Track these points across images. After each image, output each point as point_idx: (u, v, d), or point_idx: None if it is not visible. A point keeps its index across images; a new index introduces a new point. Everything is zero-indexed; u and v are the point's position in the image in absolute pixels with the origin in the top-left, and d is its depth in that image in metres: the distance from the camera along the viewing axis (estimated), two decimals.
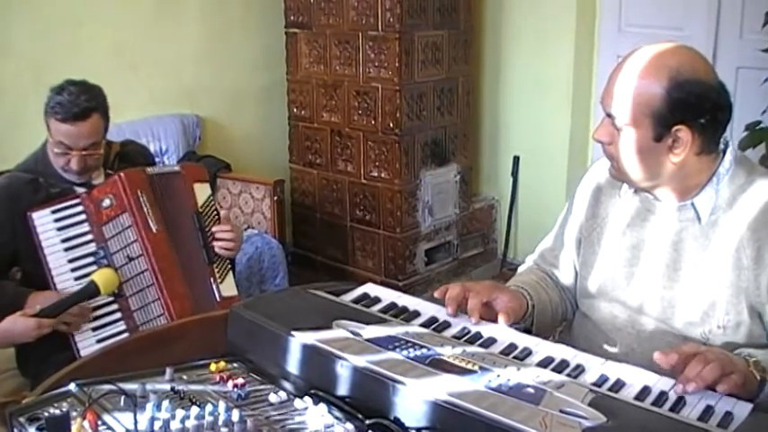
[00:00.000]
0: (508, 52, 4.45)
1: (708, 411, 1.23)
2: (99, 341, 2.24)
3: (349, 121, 4.14)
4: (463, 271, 4.44)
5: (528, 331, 1.71)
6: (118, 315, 2.27)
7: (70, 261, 2.27)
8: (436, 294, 1.61)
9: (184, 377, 1.34)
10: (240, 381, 1.31)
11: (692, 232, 1.59)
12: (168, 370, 1.33)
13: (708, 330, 1.56)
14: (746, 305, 1.53)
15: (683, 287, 1.59)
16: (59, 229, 2.28)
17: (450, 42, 4.10)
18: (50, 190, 2.33)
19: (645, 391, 1.29)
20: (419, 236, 4.19)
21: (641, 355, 1.58)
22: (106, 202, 2.29)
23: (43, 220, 2.26)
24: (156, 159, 4.05)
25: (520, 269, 1.96)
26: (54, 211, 2.28)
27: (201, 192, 2.47)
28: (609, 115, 1.55)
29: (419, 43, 3.94)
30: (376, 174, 4.10)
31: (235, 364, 1.42)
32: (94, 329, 2.25)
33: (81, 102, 2.26)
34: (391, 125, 3.94)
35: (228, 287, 2.44)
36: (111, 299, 2.26)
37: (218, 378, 1.34)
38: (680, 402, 1.26)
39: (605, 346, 1.68)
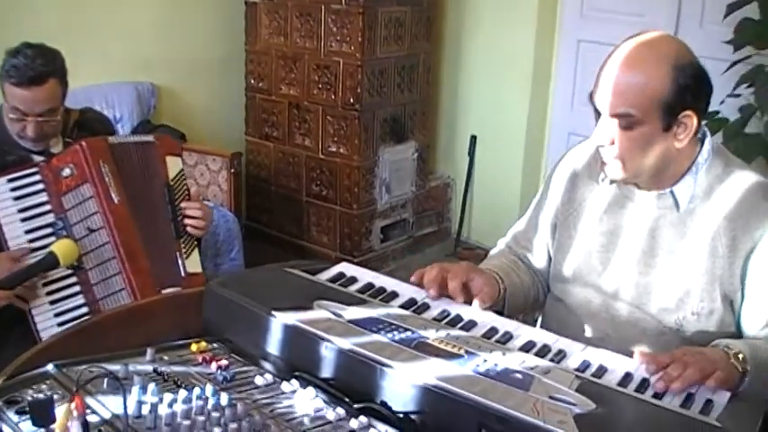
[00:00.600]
0: (469, 32, 4.44)
1: (689, 399, 1.25)
2: (57, 314, 2.18)
3: (308, 95, 4.09)
4: (418, 249, 4.45)
5: (499, 313, 1.72)
6: (77, 288, 2.20)
7: (27, 232, 2.20)
8: (413, 279, 1.60)
9: (165, 358, 1.31)
10: (224, 362, 1.29)
11: (670, 220, 1.61)
12: (149, 350, 1.30)
13: (682, 317, 1.58)
14: (720, 293, 1.56)
15: (658, 274, 1.61)
16: (16, 198, 2.20)
17: (412, 19, 4.07)
18: (6, 158, 2.25)
19: (627, 377, 1.31)
20: (375, 213, 4.18)
21: (616, 340, 1.60)
22: (66, 172, 2.22)
23: None
24: None
25: (492, 252, 1.96)
26: (10, 180, 2.20)
27: (173, 165, 2.40)
28: (617, 115, 1.51)
29: (382, 19, 3.90)
30: (334, 149, 4.06)
31: (215, 345, 1.39)
32: (52, 303, 2.18)
33: (37, 66, 2.18)
34: (351, 100, 3.91)
35: (193, 264, 2.38)
36: (70, 272, 2.19)
37: (200, 359, 1.31)
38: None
39: (578, 332, 1.69)
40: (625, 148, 1.54)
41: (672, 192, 1.60)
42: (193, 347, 1.36)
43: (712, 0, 3.52)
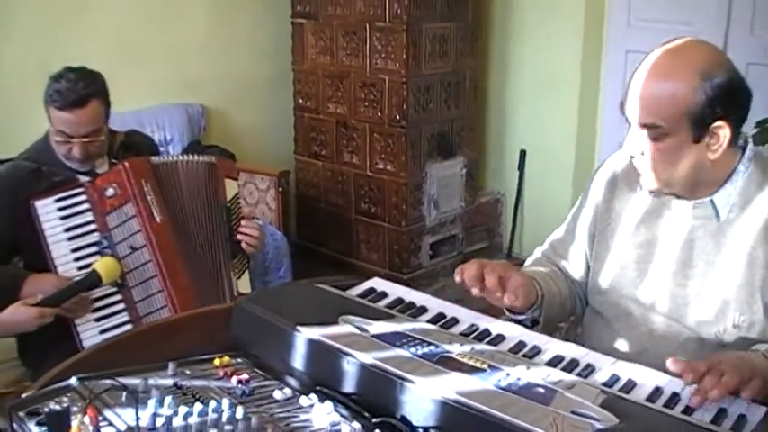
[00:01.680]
0: (515, 46, 4.41)
1: (721, 414, 1.21)
2: (102, 332, 2.23)
3: (355, 113, 4.11)
4: None
5: (535, 322, 1.69)
6: (121, 306, 2.26)
7: (73, 250, 2.26)
8: (456, 279, 1.56)
9: (187, 372, 1.32)
10: (244, 377, 1.29)
11: (708, 230, 1.56)
12: (171, 365, 1.31)
13: (722, 329, 1.53)
14: (762, 304, 1.50)
15: (696, 285, 1.57)
16: (63, 217, 2.26)
17: (457, 35, 4.06)
18: (53, 179, 2.31)
19: (657, 392, 1.27)
20: (424, 229, 4.16)
21: (654, 354, 1.55)
22: (110, 192, 2.27)
23: (46, 209, 2.24)
24: (161, 149, 4.04)
25: (528, 260, 1.93)
26: (57, 200, 2.26)
27: (230, 187, 2.46)
28: (645, 126, 1.48)
29: (426, 35, 3.90)
30: (382, 166, 4.07)
31: (239, 359, 1.40)
32: (98, 320, 2.24)
33: (79, 89, 2.24)
34: (398, 117, 3.92)
35: (244, 284, 2.44)
36: (114, 289, 2.24)
37: (221, 373, 1.32)
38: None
39: (616, 345, 1.66)
40: (655, 159, 1.50)
41: (712, 201, 1.55)
42: (216, 362, 1.37)
43: (762, 6, 3.43)
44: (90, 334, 2.23)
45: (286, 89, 4.43)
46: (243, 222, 2.44)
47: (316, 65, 4.23)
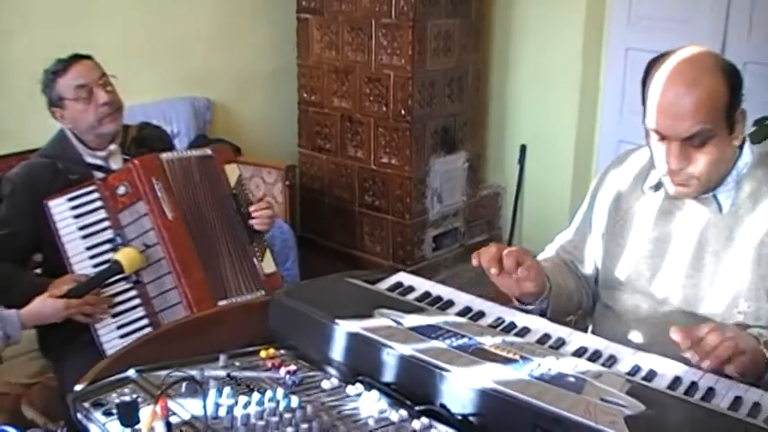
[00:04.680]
0: (517, 41, 4.49)
1: (737, 402, 1.30)
2: (119, 327, 2.26)
3: (360, 108, 4.19)
4: (469, 257, 4.47)
5: (543, 314, 1.76)
6: (137, 301, 2.28)
7: (88, 248, 2.28)
8: (474, 263, 1.65)
9: (237, 363, 1.40)
10: (292, 368, 1.37)
11: (715, 223, 1.66)
12: (222, 356, 1.39)
13: (729, 316, 1.63)
14: (766, 296, 1.60)
15: (706, 278, 1.66)
16: (76, 216, 2.29)
17: (461, 31, 4.15)
18: (69, 176, 2.35)
19: (677, 381, 1.36)
20: (427, 222, 4.25)
21: (664, 345, 1.64)
22: (121, 190, 2.30)
23: (60, 209, 2.28)
24: None
25: (539, 256, 2.01)
26: (70, 199, 2.29)
27: (232, 172, 2.48)
28: (693, 136, 1.54)
29: (431, 31, 3.98)
30: (386, 160, 4.15)
31: (282, 351, 1.48)
32: (114, 316, 2.27)
33: (71, 55, 2.39)
34: (403, 112, 3.99)
35: (268, 264, 2.47)
36: (130, 286, 2.28)
37: (269, 365, 1.40)
38: (710, 392, 1.33)
39: (629, 337, 1.75)
40: (709, 164, 1.57)
41: (714, 195, 1.65)
42: (263, 354, 1.45)
43: (760, 5, 3.52)
44: (107, 330, 2.26)
45: (290, 83, 4.50)
46: (252, 207, 2.47)
47: (321, 59, 4.30)
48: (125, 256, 2.19)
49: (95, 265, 2.26)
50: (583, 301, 1.94)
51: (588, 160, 4.45)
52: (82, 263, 2.27)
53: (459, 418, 1.27)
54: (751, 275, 1.61)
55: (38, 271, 2.47)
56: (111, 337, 2.27)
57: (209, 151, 2.49)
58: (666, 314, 1.71)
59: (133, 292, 2.29)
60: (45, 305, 2.11)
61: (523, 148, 4.58)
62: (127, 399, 1.21)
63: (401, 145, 4.06)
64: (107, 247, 2.29)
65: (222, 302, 2.31)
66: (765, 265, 1.60)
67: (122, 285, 2.27)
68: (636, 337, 1.75)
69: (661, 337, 1.69)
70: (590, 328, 1.93)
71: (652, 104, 1.59)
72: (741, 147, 1.66)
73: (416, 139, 4.05)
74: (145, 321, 2.28)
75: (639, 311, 1.76)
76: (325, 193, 4.49)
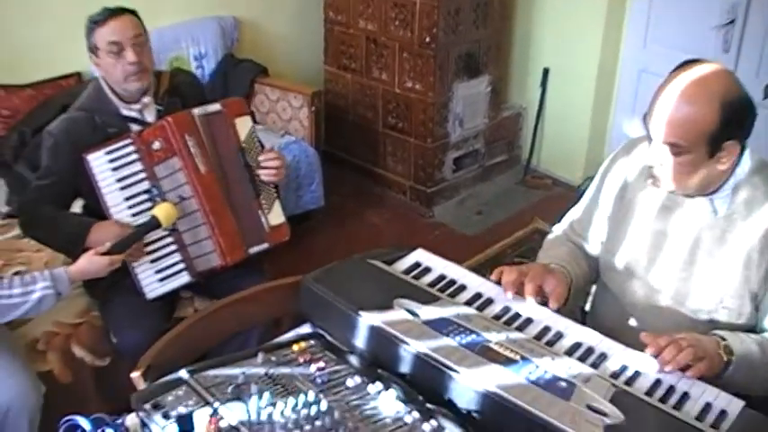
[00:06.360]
0: None
1: (706, 409, 1.50)
2: (157, 272, 2.48)
3: (385, 31, 4.24)
4: (488, 177, 4.66)
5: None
6: (174, 247, 2.49)
7: (126, 199, 2.44)
8: (493, 278, 1.84)
9: (273, 359, 1.61)
10: (321, 364, 1.58)
11: (710, 224, 1.81)
12: (260, 354, 1.60)
13: (714, 310, 1.81)
14: (749, 296, 1.78)
15: (698, 277, 1.83)
16: (114, 169, 2.42)
17: None
18: (108, 130, 2.48)
19: (656, 384, 1.56)
20: (448, 145, 4.38)
21: (654, 329, 1.83)
22: (156, 145, 2.43)
23: (98, 162, 2.41)
24: (196, 64, 4.18)
25: (549, 238, 2.17)
26: (108, 152, 2.42)
27: (243, 125, 2.56)
28: (668, 144, 1.69)
29: None
30: (410, 85, 4.24)
31: (312, 341, 1.69)
32: (153, 261, 2.48)
33: (114, 7, 2.47)
34: (427, 40, 4.05)
35: (276, 215, 2.61)
36: (166, 233, 2.46)
37: (301, 360, 1.60)
38: (684, 397, 1.53)
39: (623, 320, 1.94)
40: (674, 171, 1.73)
41: (711, 200, 1.79)
42: (294, 347, 1.65)
43: None
44: (147, 274, 2.47)
45: (317, 1, 4.54)
46: (261, 157, 2.56)
47: None
48: (162, 212, 2.37)
49: (134, 215, 2.44)
50: (593, 277, 2.12)
51: (609, 86, 4.51)
52: (121, 212, 2.44)
53: (464, 414, 1.48)
54: (739, 276, 1.78)
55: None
56: (151, 281, 2.49)
57: (218, 107, 2.55)
58: (659, 305, 1.89)
59: (170, 239, 2.48)
60: (92, 263, 2.29)
61: (546, 72, 4.63)
62: (183, 411, 1.40)
63: (425, 71, 4.14)
64: (144, 197, 2.45)
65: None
66: (752, 269, 1.76)
67: (160, 233, 2.45)
68: (630, 320, 1.94)
69: (653, 322, 1.89)
70: (588, 306, 2.12)
71: (653, 102, 1.72)
72: (741, 154, 1.78)
73: (440, 66, 4.12)
74: (181, 266, 2.50)
75: (634, 297, 1.94)
76: (349, 111, 4.61)
